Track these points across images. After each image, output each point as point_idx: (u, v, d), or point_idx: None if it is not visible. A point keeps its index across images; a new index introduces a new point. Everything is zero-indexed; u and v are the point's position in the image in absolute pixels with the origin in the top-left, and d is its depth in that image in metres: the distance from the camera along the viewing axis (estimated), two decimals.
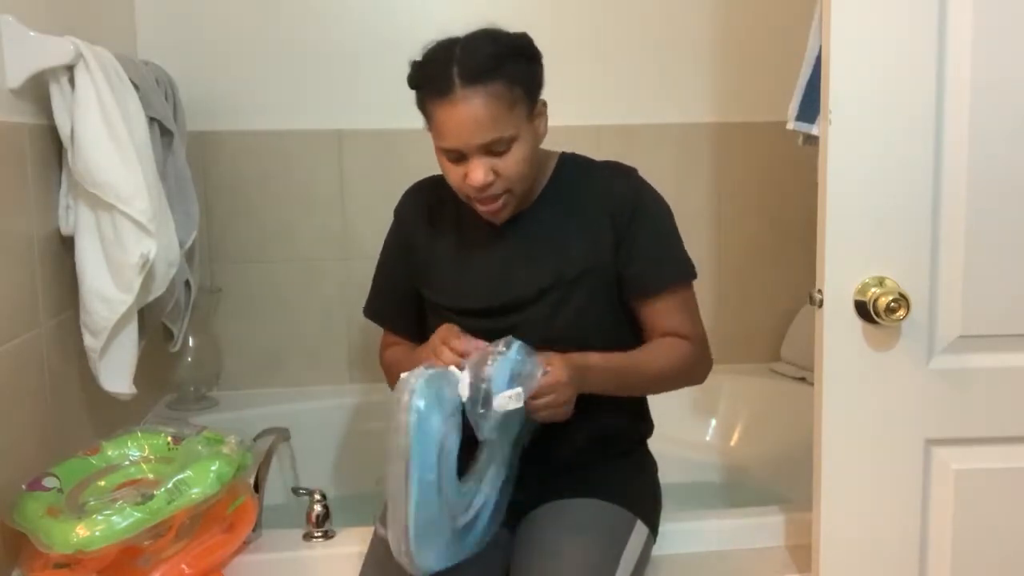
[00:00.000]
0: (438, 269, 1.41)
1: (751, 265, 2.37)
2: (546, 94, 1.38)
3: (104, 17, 1.92)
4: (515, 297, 1.34)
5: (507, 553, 1.33)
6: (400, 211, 1.48)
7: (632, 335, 1.41)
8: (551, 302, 1.34)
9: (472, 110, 1.22)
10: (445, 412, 1.13)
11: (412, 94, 1.32)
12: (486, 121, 1.22)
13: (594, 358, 1.28)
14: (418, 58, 1.30)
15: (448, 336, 1.25)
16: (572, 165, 1.41)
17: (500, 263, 1.37)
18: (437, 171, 1.48)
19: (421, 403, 1.10)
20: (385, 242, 1.50)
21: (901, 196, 1.21)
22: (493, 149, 1.25)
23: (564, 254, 1.35)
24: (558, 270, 1.34)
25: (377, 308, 1.51)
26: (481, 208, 1.30)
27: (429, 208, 1.44)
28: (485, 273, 1.37)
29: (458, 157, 1.27)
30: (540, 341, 1.27)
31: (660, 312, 1.36)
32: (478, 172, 1.25)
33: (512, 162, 1.26)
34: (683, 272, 1.38)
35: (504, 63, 1.24)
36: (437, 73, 1.24)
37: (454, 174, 1.29)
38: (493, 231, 1.38)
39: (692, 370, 1.39)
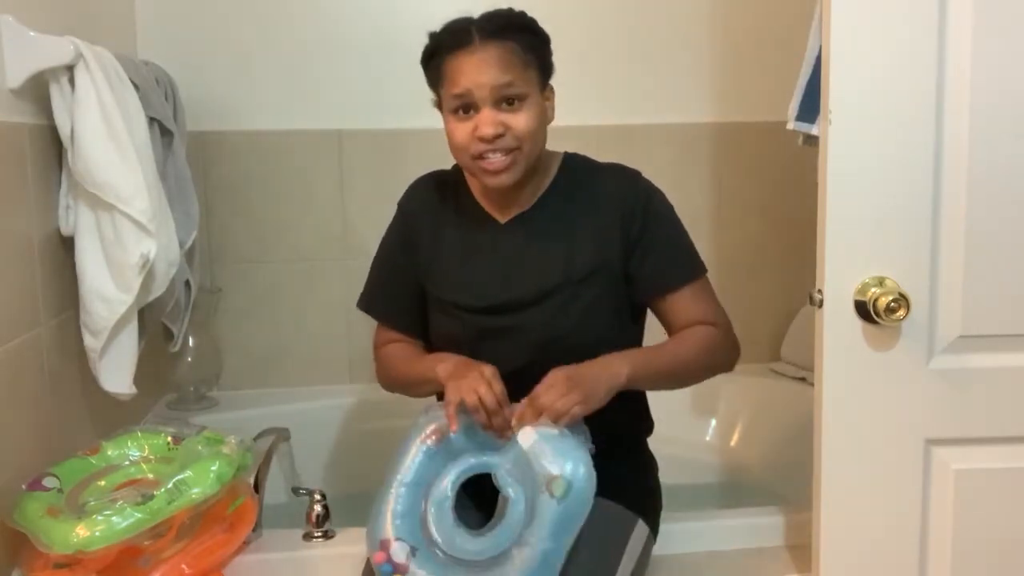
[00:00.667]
0: (442, 265, 1.41)
1: (751, 265, 2.37)
2: None
3: (104, 17, 1.92)
4: (519, 296, 1.34)
5: None
6: (405, 204, 1.48)
7: (636, 337, 1.41)
8: (556, 302, 1.34)
9: (488, 55, 1.26)
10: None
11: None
12: (501, 65, 1.26)
13: (620, 356, 1.29)
14: (435, 30, 1.34)
15: (492, 379, 1.23)
16: (576, 165, 1.41)
17: (504, 261, 1.37)
18: (437, 170, 1.49)
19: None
20: (386, 234, 1.49)
21: (901, 196, 1.21)
22: (506, 95, 1.26)
23: (570, 254, 1.35)
24: (564, 270, 1.34)
25: (373, 301, 1.50)
26: (487, 167, 1.29)
27: (434, 203, 1.44)
28: (490, 271, 1.37)
29: (468, 109, 1.28)
30: (544, 340, 1.27)
31: (681, 305, 1.37)
32: (488, 122, 1.26)
33: (522, 118, 1.27)
34: (698, 266, 1.40)
35: (521, 31, 1.30)
36: (456, 30, 1.29)
37: (462, 131, 1.29)
38: (497, 228, 1.38)
39: (721, 356, 1.39)
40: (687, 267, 1.39)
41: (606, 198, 1.37)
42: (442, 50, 1.30)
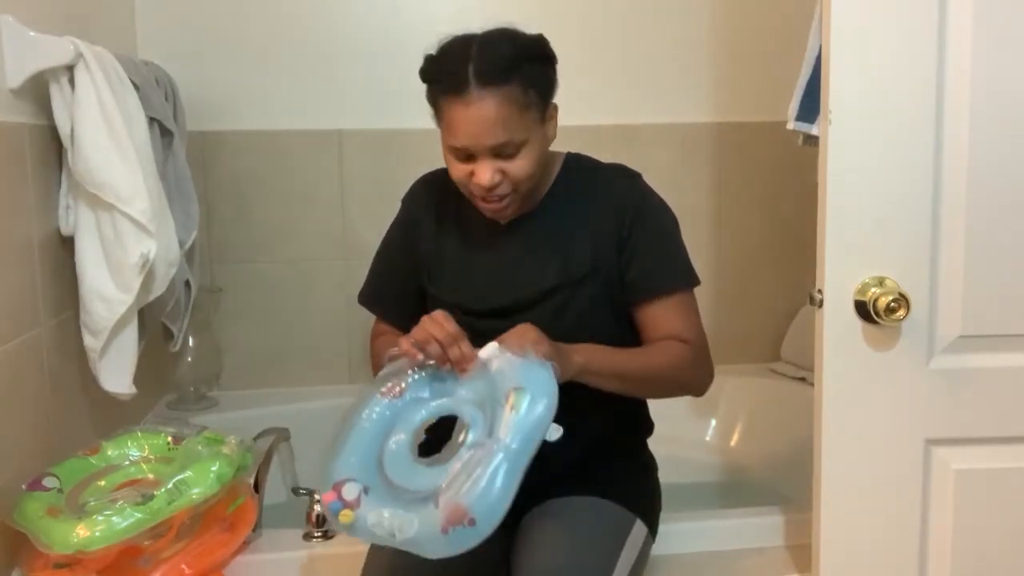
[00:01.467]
0: (443, 266, 1.41)
1: (751, 265, 2.37)
2: None
3: (104, 17, 1.92)
4: (519, 298, 1.34)
5: (507, 551, 1.33)
6: (408, 200, 1.48)
7: (635, 340, 1.41)
8: (555, 304, 1.34)
9: (485, 112, 1.21)
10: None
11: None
12: (498, 124, 1.22)
13: (580, 346, 1.26)
14: (433, 52, 1.29)
15: (443, 319, 1.20)
16: (577, 166, 1.41)
17: (504, 264, 1.37)
18: (441, 168, 1.49)
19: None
20: (389, 229, 1.49)
21: (901, 196, 1.21)
22: (502, 152, 1.25)
23: (568, 256, 1.35)
24: (562, 272, 1.34)
25: (373, 294, 1.49)
26: (484, 206, 1.30)
27: (437, 201, 1.44)
28: (489, 274, 1.37)
29: (466, 156, 1.27)
30: None
31: (659, 316, 1.35)
32: (485, 173, 1.25)
33: (520, 165, 1.26)
34: (684, 278, 1.37)
35: (521, 65, 1.24)
36: (452, 70, 1.24)
37: (460, 171, 1.29)
38: (498, 230, 1.38)
39: (689, 374, 1.35)
40: (672, 276, 1.36)
41: (604, 199, 1.36)
42: (437, 88, 1.27)
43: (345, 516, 1.13)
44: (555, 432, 1.13)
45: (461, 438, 1.14)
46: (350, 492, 1.14)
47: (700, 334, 1.37)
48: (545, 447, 1.36)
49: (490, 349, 1.17)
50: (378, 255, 1.50)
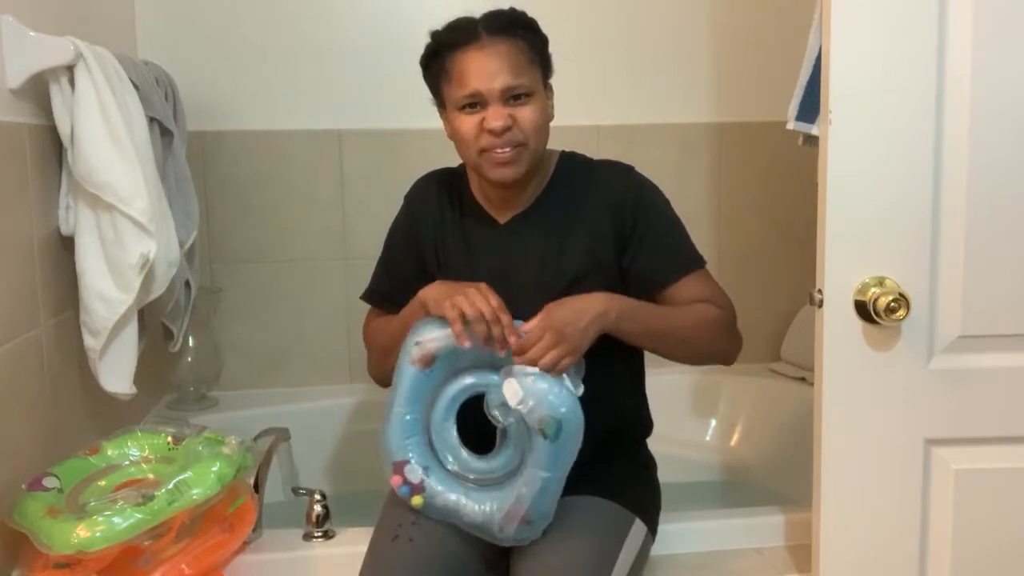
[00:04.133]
0: (445, 266, 1.41)
1: (751, 265, 2.37)
2: None
3: (104, 17, 1.92)
4: (520, 299, 1.34)
5: (507, 550, 1.33)
6: (411, 198, 1.49)
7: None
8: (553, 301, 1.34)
9: (498, 53, 1.27)
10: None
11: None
12: (510, 65, 1.27)
13: (614, 297, 1.29)
14: (437, 28, 1.34)
15: (488, 292, 1.24)
16: (572, 164, 1.41)
17: (503, 263, 1.37)
18: (443, 167, 1.49)
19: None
20: (392, 227, 1.50)
21: (901, 196, 1.21)
22: (513, 93, 1.28)
23: (567, 254, 1.35)
24: (558, 270, 1.34)
25: (378, 292, 1.50)
26: (494, 160, 1.29)
27: (438, 200, 1.44)
28: (488, 274, 1.37)
29: (476, 105, 1.28)
30: None
31: (688, 293, 1.36)
32: (496, 116, 1.27)
33: (529, 112, 1.28)
34: (693, 259, 1.39)
35: (525, 28, 1.32)
36: (463, 27, 1.30)
37: (469, 125, 1.29)
38: (497, 231, 1.38)
39: (722, 336, 1.37)
40: (682, 261, 1.38)
41: (599, 194, 1.37)
42: (446, 48, 1.31)
43: (417, 501, 1.28)
44: (579, 390, 1.24)
45: (506, 435, 1.27)
46: (413, 474, 1.28)
47: (728, 301, 1.39)
48: None
49: (513, 391, 1.21)
50: (382, 254, 1.50)
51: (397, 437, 1.28)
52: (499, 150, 1.28)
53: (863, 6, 1.17)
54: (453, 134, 1.33)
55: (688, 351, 1.38)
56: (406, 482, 1.27)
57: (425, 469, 1.27)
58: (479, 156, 1.30)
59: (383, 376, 1.44)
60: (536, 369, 1.20)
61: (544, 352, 1.20)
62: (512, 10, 1.34)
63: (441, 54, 1.31)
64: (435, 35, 1.34)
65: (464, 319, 1.22)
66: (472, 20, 1.31)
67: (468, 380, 1.29)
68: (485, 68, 1.27)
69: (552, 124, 1.35)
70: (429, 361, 1.26)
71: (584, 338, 1.23)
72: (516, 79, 1.27)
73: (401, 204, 1.49)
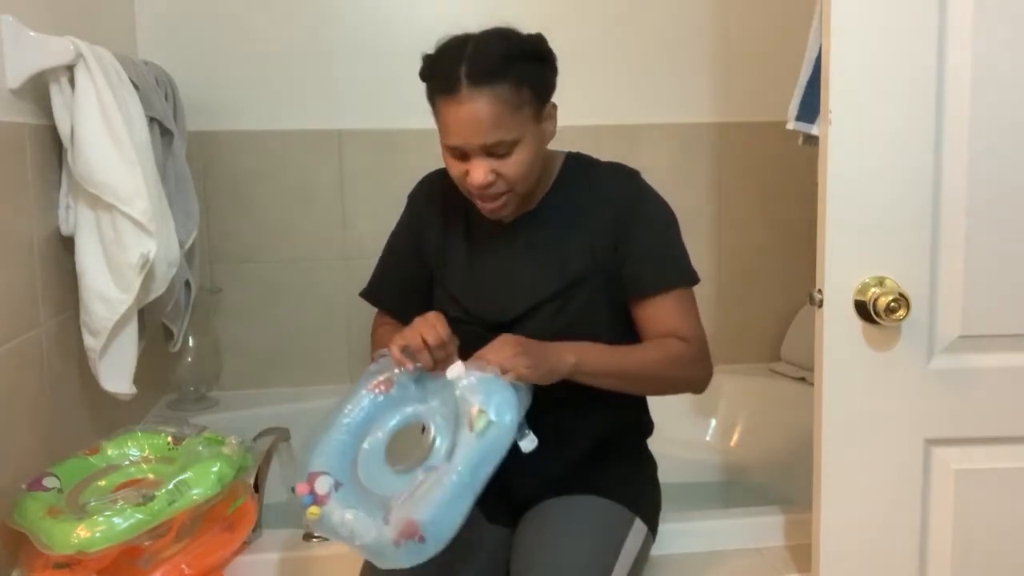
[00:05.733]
0: (448, 266, 1.41)
1: (751, 265, 2.37)
2: None
3: (104, 17, 1.92)
4: (521, 301, 1.34)
5: (507, 549, 1.33)
6: (414, 197, 1.48)
7: (635, 340, 1.41)
8: (555, 305, 1.34)
9: (476, 111, 1.22)
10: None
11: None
12: (489, 123, 1.22)
13: (574, 344, 1.27)
14: (430, 52, 1.30)
15: (436, 322, 1.23)
16: (577, 166, 1.41)
17: (507, 266, 1.37)
18: (407, 206, 1.49)
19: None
20: (395, 227, 1.49)
21: (901, 196, 1.21)
22: (495, 151, 1.24)
23: (568, 257, 1.34)
24: (561, 274, 1.34)
25: (378, 290, 1.49)
26: (482, 205, 1.30)
27: (442, 199, 1.44)
28: (492, 277, 1.37)
29: (461, 155, 1.27)
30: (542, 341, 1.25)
31: (656, 313, 1.34)
32: (478, 172, 1.25)
33: (513, 164, 1.26)
34: (682, 275, 1.36)
35: (514, 64, 1.24)
36: (446, 70, 1.24)
37: (456, 170, 1.29)
38: (500, 231, 1.38)
39: (688, 371, 1.34)
40: (668, 274, 1.35)
41: (602, 198, 1.36)
42: (432, 88, 1.28)
43: (312, 513, 1.15)
44: (530, 444, 1.17)
45: (428, 445, 1.18)
46: (322, 486, 1.17)
47: (699, 331, 1.36)
48: (545, 446, 1.36)
49: (456, 370, 1.18)
50: (384, 252, 1.50)
51: (326, 453, 1.20)
52: (484, 201, 1.28)
53: (863, 6, 1.17)
54: (444, 161, 1.32)
55: (653, 388, 1.37)
56: (312, 492, 1.16)
57: (337, 485, 1.17)
58: (468, 195, 1.31)
59: None
60: (492, 370, 1.17)
61: (505, 357, 1.18)
62: (502, 41, 1.26)
63: (429, 89, 1.29)
64: (424, 65, 1.29)
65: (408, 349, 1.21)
66: (458, 58, 1.23)
67: (411, 409, 1.23)
68: (465, 125, 1.22)
69: None
70: (387, 389, 1.23)
71: (546, 359, 1.21)
72: (497, 135, 1.22)
73: (404, 204, 1.49)
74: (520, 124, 1.25)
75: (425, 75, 1.29)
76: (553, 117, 1.33)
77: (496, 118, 1.22)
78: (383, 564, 1.13)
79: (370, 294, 1.50)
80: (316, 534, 1.17)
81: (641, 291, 1.34)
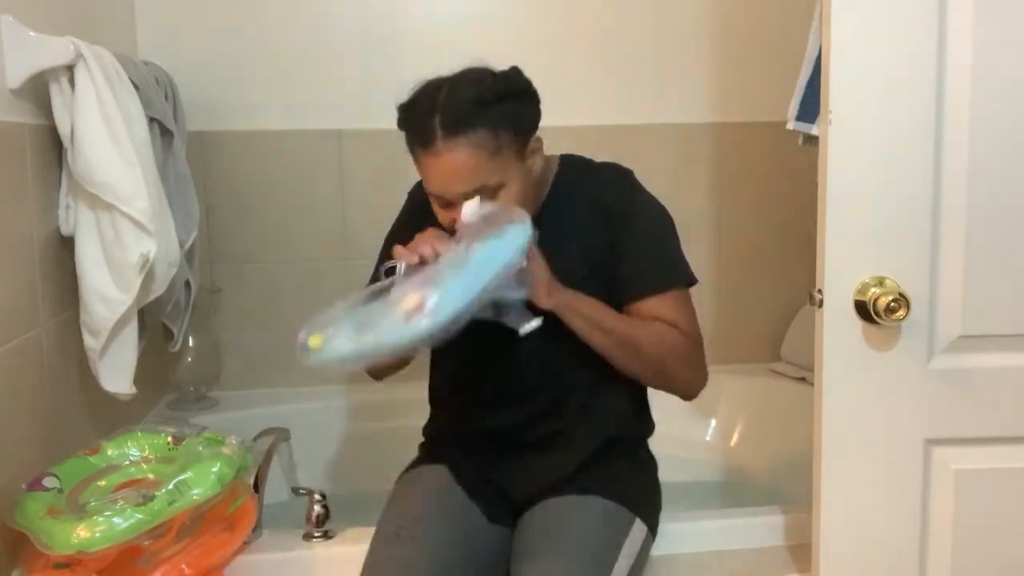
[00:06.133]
0: None
1: (751, 265, 2.37)
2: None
3: (104, 17, 1.92)
4: None
5: (507, 549, 1.33)
6: (414, 194, 1.48)
7: None
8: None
9: (454, 161, 1.21)
10: None
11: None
12: (469, 171, 1.22)
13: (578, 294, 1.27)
14: (404, 100, 1.29)
15: (435, 241, 1.21)
16: (572, 169, 1.40)
17: None
18: (411, 192, 1.48)
19: None
20: (395, 222, 1.49)
21: (901, 196, 1.21)
22: (479, 193, 1.24)
23: (566, 258, 1.34)
24: (560, 274, 1.33)
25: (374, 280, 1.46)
26: None
27: None
28: None
29: (446, 203, 1.27)
30: (542, 343, 1.25)
31: (652, 311, 1.32)
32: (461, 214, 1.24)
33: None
34: (678, 276, 1.35)
35: (488, 108, 1.22)
36: (421, 121, 1.24)
37: (444, 218, 1.28)
38: None
39: (680, 364, 1.32)
40: (665, 274, 1.34)
41: (596, 200, 1.35)
42: (409, 140, 1.27)
43: (315, 340, 1.11)
44: (533, 322, 1.17)
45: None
46: (323, 331, 1.13)
47: (696, 331, 1.35)
48: (546, 447, 1.36)
49: (471, 206, 1.19)
50: (384, 246, 1.48)
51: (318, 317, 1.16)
52: None
53: (863, 6, 1.17)
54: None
55: (641, 365, 1.32)
56: (307, 336, 1.14)
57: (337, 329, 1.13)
58: None
59: (373, 371, 1.43)
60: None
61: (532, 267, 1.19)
62: (476, 86, 1.24)
63: (409, 143, 1.28)
64: (399, 115, 1.29)
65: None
66: (432, 108, 1.22)
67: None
68: (445, 176, 1.23)
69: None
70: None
71: (548, 273, 1.22)
72: (477, 181, 1.22)
73: (403, 203, 1.49)
74: (501, 167, 1.24)
75: (401, 126, 1.28)
76: (539, 151, 1.31)
77: (475, 166, 1.22)
78: (391, 344, 1.08)
79: (377, 272, 1.47)
80: (314, 366, 1.14)
81: (639, 292, 1.33)
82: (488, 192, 1.24)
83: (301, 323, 1.15)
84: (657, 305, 1.33)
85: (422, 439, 1.54)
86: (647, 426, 1.49)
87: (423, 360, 1.46)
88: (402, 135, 1.29)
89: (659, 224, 1.38)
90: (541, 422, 1.38)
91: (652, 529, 1.39)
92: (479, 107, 1.22)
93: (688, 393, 1.38)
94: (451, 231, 1.25)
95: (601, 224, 1.34)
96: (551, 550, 1.26)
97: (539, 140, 1.31)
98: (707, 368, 1.38)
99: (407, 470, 1.48)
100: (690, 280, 1.37)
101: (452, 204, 1.26)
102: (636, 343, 1.30)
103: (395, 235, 1.48)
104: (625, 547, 1.30)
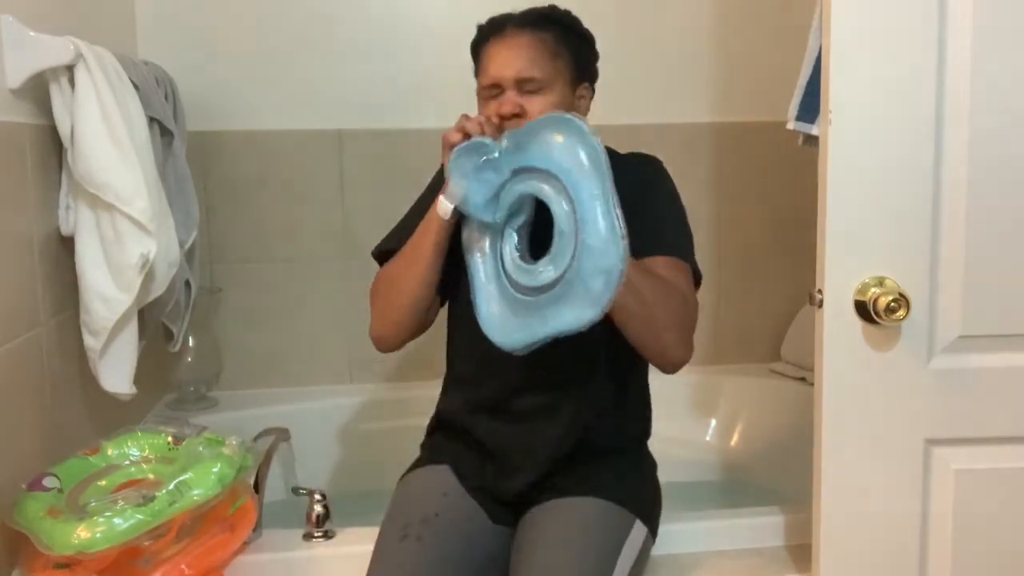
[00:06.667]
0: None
1: (751, 265, 2.37)
2: None
3: (104, 17, 1.92)
4: None
5: (506, 551, 1.33)
6: (436, 178, 1.47)
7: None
8: None
9: (516, 45, 1.31)
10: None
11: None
12: (526, 57, 1.30)
13: None
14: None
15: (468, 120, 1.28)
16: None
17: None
18: (436, 172, 1.48)
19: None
20: (424, 191, 1.48)
21: (901, 196, 1.21)
22: (526, 87, 1.30)
23: None
24: None
25: (396, 238, 1.42)
26: None
27: None
28: None
29: (494, 95, 1.31)
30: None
31: (661, 267, 1.29)
32: (507, 101, 1.29)
33: (539, 105, 1.29)
34: (681, 250, 1.34)
35: (557, 23, 1.35)
36: (498, 21, 1.36)
37: (485, 111, 1.32)
38: None
39: (673, 320, 1.26)
40: (666, 244, 1.32)
41: (627, 174, 1.29)
42: (480, 41, 1.36)
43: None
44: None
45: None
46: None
47: (695, 305, 1.32)
48: (545, 447, 1.36)
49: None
50: (409, 211, 1.47)
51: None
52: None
53: (863, 6, 1.17)
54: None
55: (637, 303, 1.23)
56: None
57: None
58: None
59: (385, 325, 1.40)
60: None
61: None
62: (552, 8, 1.39)
63: (478, 45, 1.36)
64: (478, 28, 1.38)
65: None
66: (508, 15, 1.36)
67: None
68: (503, 57, 1.31)
69: None
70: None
71: None
72: (530, 70, 1.30)
73: (404, 203, 1.49)
74: (555, 71, 1.32)
75: (479, 36, 1.36)
76: (587, 98, 1.39)
77: (534, 56, 1.30)
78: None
79: (387, 243, 1.45)
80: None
81: (653, 247, 1.30)
82: (536, 84, 1.30)
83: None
84: (668, 264, 1.31)
85: (423, 439, 1.54)
86: (646, 425, 1.48)
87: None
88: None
89: (675, 202, 1.41)
90: (541, 422, 1.37)
91: (652, 530, 1.39)
92: (550, 20, 1.36)
93: (672, 359, 1.30)
94: (494, 123, 1.29)
95: (631, 192, 1.24)
96: (550, 554, 1.25)
97: (588, 89, 1.40)
98: (693, 348, 1.32)
99: (409, 470, 1.47)
100: (697, 271, 1.37)
101: (503, 92, 1.31)
102: (641, 278, 1.23)
103: (422, 203, 1.44)
104: (625, 550, 1.30)
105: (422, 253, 1.33)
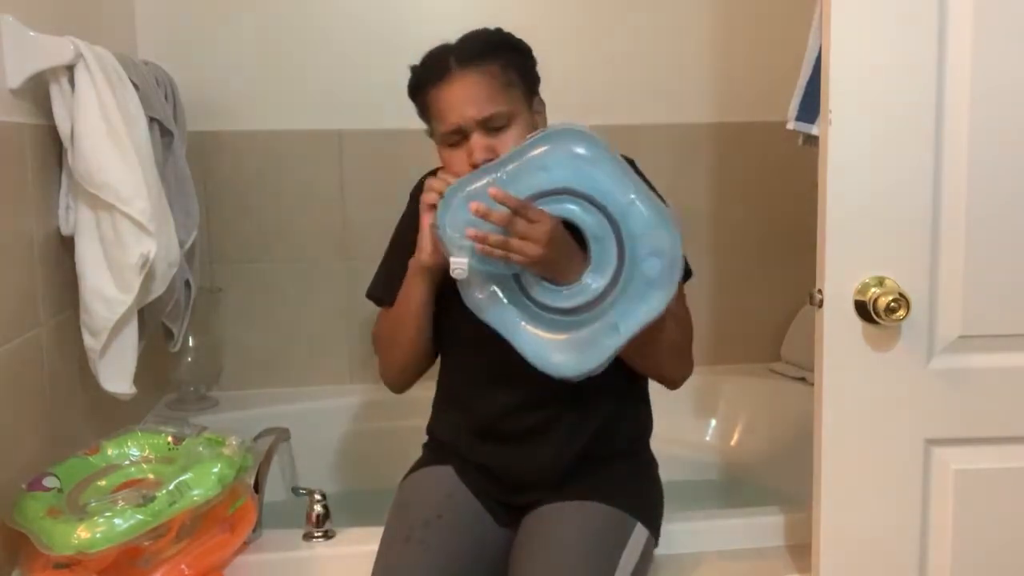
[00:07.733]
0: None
1: (751, 265, 2.37)
2: (546, 94, 1.37)
3: (104, 17, 1.92)
4: None
5: (506, 554, 1.33)
6: (415, 194, 1.46)
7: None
8: None
9: (468, 85, 1.27)
10: None
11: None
12: (483, 96, 1.26)
13: None
14: (417, 63, 1.33)
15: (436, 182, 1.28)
16: None
17: None
18: (407, 206, 1.48)
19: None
20: (398, 224, 1.48)
21: (901, 196, 1.21)
22: (492, 124, 1.27)
23: None
24: None
25: (383, 288, 1.45)
26: None
27: None
28: None
29: (458, 140, 1.28)
30: None
31: None
32: (478, 148, 1.26)
33: (511, 140, 1.27)
34: None
35: (498, 49, 1.30)
36: (435, 63, 1.30)
37: (456, 160, 1.29)
38: None
39: (671, 351, 1.31)
40: None
41: None
42: (424, 84, 1.31)
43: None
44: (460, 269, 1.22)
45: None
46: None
47: (688, 322, 1.35)
48: (546, 449, 1.36)
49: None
50: (388, 250, 1.48)
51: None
52: None
53: (863, 6, 1.17)
54: (445, 167, 1.34)
55: (640, 357, 1.30)
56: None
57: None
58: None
59: (393, 375, 1.44)
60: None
61: (530, 235, 1.17)
62: (486, 32, 1.34)
63: (420, 90, 1.32)
64: (413, 71, 1.34)
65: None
66: (446, 50, 1.31)
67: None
68: (458, 100, 1.26)
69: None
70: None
71: (562, 263, 1.21)
72: (492, 108, 1.26)
73: (404, 204, 1.49)
74: (514, 99, 1.29)
75: (415, 80, 1.32)
76: (542, 113, 1.35)
77: (488, 91, 1.27)
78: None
79: (376, 293, 1.48)
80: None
81: None
82: (501, 120, 1.27)
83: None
84: None
85: (424, 439, 1.54)
86: (647, 426, 1.48)
87: None
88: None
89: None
90: (541, 421, 1.37)
91: (654, 532, 1.38)
92: (490, 47, 1.31)
93: (673, 381, 1.37)
94: (462, 172, 1.27)
95: None
96: (550, 560, 1.25)
97: (541, 102, 1.36)
98: (693, 363, 1.38)
99: (412, 471, 1.47)
100: (687, 270, 1.36)
101: (464, 139, 1.28)
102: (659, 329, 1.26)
103: (400, 236, 1.47)
104: (626, 552, 1.29)
105: (411, 311, 1.37)
